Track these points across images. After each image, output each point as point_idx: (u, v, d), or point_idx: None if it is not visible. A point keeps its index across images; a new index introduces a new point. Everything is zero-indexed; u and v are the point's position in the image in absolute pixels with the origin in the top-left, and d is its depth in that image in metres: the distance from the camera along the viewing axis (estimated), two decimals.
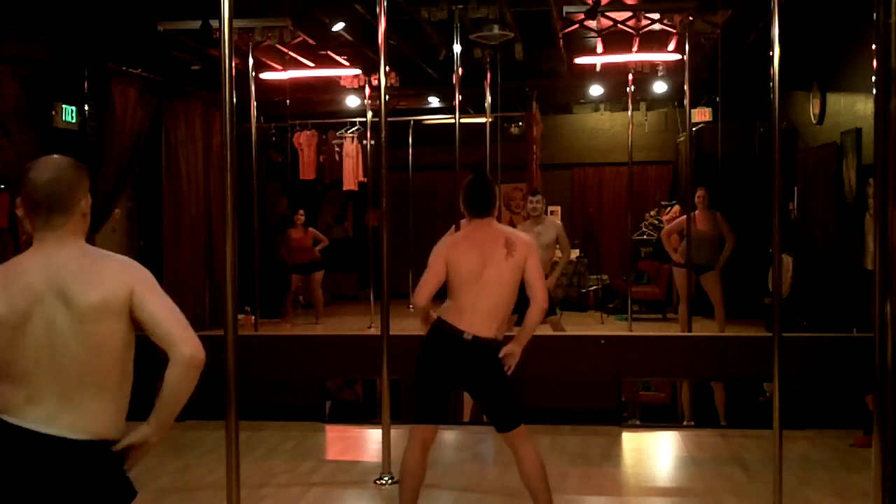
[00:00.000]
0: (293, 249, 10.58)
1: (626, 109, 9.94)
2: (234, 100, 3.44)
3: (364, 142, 11.70)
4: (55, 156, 2.43)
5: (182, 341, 2.31)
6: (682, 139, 11.99)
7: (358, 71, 10.53)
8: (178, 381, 2.32)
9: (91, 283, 2.30)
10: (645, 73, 9.92)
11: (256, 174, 8.73)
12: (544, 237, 7.50)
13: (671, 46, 9.20)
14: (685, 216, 8.50)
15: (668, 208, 11.96)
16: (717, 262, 8.50)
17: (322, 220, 14.04)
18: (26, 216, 2.37)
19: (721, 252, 8.53)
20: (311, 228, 10.81)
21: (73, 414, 2.30)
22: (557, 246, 7.87)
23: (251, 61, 8.18)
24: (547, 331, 7.49)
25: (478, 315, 3.89)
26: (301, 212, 10.65)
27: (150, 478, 5.08)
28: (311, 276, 10.65)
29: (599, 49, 9.71)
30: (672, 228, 9.02)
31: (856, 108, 8.20)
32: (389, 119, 5.35)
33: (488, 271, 3.90)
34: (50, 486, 2.28)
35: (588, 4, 7.62)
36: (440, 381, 3.99)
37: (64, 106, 7.96)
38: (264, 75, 9.81)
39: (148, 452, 2.44)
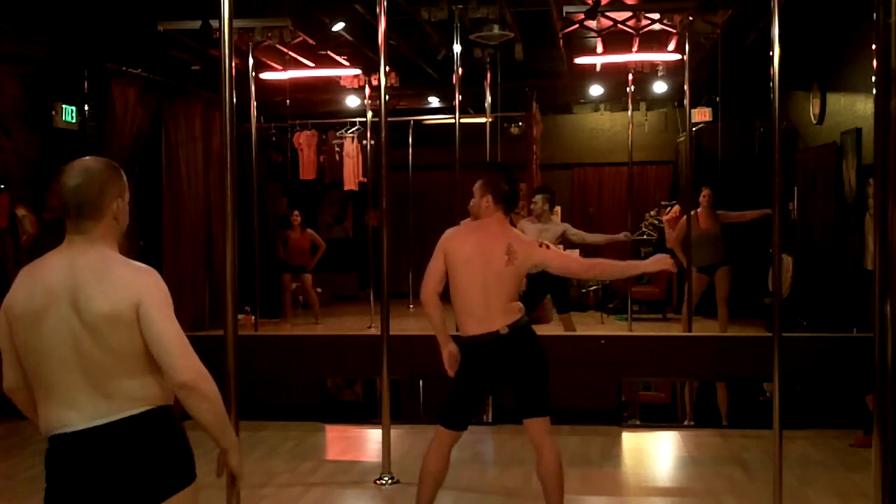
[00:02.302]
0: (290, 251, 10.57)
1: (626, 109, 9.94)
2: (234, 100, 3.44)
3: (364, 142, 11.69)
4: (88, 158, 2.44)
5: (175, 370, 2.29)
6: (682, 139, 11.98)
7: (358, 71, 10.52)
8: (191, 407, 2.36)
9: (102, 294, 2.28)
10: (645, 73, 9.92)
11: (256, 174, 8.73)
12: (547, 235, 7.58)
13: (671, 46, 9.20)
14: (685, 216, 8.50)
15: (668, 208, 11.94)
16: (723, 258, 8.49)
17: (322, 220, 14.04)
18: (61, 218, 2.38)
19: (723, 250, 8.52)
20: (308, 230, 10.77)
21: (117, 401, 2.30)
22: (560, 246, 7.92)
23: (251, 61, 8.17)
24: (547, 330, 7.50)
25: (496, 314, 3.89)
26: (297, 212, 10.61)
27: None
28: (302, 277, 10.63)
29: (599, 49, 9.71)
30: (679, 236, 8.97)
31: (856, 108, 8.19)
32: (389, 119, 5.35)
33: (490, 275, 3.87)
34: (113, 472, 2.28)
35: (588, 4, 7.62)
36: (482, 391, 4.06)
37: (64, 106, 7.96)
38: (264, 75, 9.81)
39: (235, 456, 2.62)
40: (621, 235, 8.76)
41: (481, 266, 3.87)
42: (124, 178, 2.46)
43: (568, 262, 4.19)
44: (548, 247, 4.08)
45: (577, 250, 12.37)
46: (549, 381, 3.98)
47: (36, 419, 2.40)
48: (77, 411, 2.28)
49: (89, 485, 2.28)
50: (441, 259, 3.95)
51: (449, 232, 4.06)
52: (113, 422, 2.28)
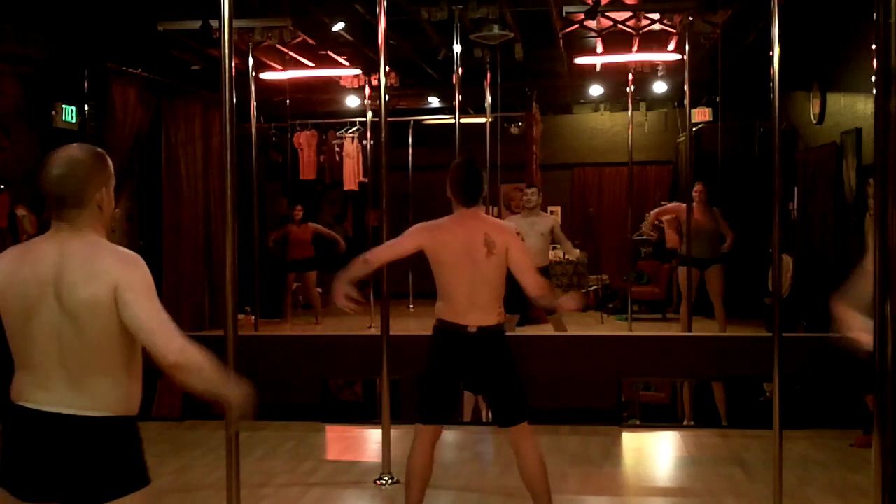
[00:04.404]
0: (292, 243, 10.59)
1: (626, 109, 9.94)
2: (234, 100, 3.44)
3: (364, 142, 11.70)
4: (73, 146, 2.44)
5: (159, 350, 2.29)
6: (682, 139, 11.98)
7: (358, 71, 10.53)
8: (183, 381, 2.34)
9: (83, 281, 2.31)
10: (645, 73, 9.92)
11: (256, 174, 8.73)
12: (539, 226, 7.57)
13: (671, 46, 9.20)
14: (684, 205, 8.50)
15: None
16: (719, 255, 8.50)
17: (322, 220, 14.02)
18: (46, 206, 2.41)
19: (717, 248, 8.53)
20: (310, 224, 10.81)
21: (85, 397, 2.33)
22: (553, 247, 7.89)
23: (251, 61, 8.18)
24: (547, 330, 7.49)
25: (475, 309, 3.87)
26: (299, 207, 10.64)
27: (151, 477, 5.08)
28: (306, 275, 10.65)
29: (599, 49, 9.72)
30: (670, 210, 9.13)
31: (856, 108, 8.20)
32: (389, 119, 5.35)
33: (474, 270, 3.85)
34: (66, 461, 2.31)
35: (588, 4, 7.62)
36: (449, 380, 3.97)
37: (64, 106, 7.96)
38: (264, 75, 9.81)
39: (232, 395, 2.41)
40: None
41: (467, 266, 3.85)
42: (110, 165, 2.47)
43: (524, 263, 3.94)
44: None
45: (578, 250, 12.44)
46: (522, 387, 3.92)
47: None
48: (48, 393, 2.32)
49: (38, 465, 2.32)
50: (411, 245, 3.90)
51: (426, 225, 3.97)
52: (76, 416, 2.31)
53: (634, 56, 9.36)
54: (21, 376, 2.38)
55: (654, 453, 6.17)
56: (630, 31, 8.30)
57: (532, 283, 3.93)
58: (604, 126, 13.68)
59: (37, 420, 2.32)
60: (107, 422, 2.34)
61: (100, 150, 2.47)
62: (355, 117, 11.89)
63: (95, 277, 2.31)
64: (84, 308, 2.29)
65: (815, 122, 9.49)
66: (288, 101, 10.27)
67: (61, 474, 2.31)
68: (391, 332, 5.22)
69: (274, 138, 12.06)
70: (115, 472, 2.36)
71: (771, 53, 4.31)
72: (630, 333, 8.67)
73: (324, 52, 9.81)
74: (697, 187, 8.58)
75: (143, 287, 2.34)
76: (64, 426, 2.31)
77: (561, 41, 9.64)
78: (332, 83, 11.16)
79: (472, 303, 3.87)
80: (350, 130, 12.04)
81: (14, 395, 2.38)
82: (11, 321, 2.35)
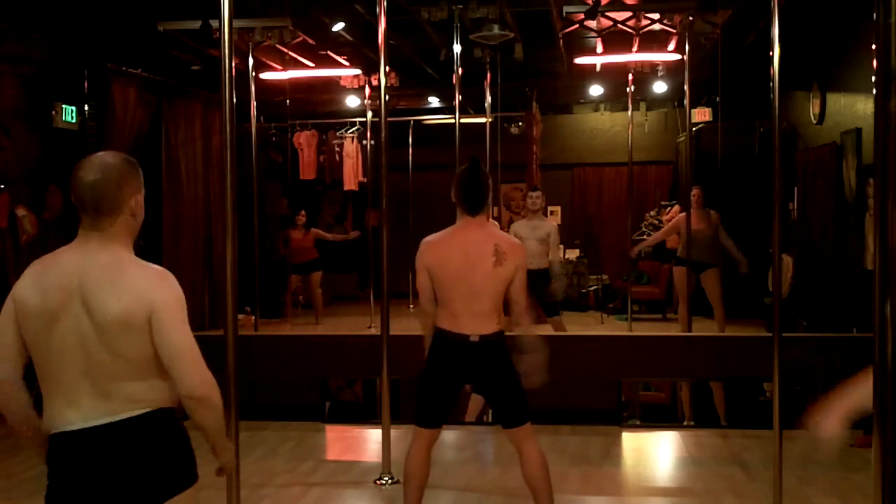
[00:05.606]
0: (293, 250, 10.59)
1: (626, 109, 9.94)
2: (234, 100, 3.44)
3: (364, 142, 11.70)
4: (105, 153, 2.39)
5: (187, 380, 2.28)
6: (682, 139, 11.99)
7: (358, 71, 10.53)
8: (197, 416, 2.37)
9: (114, 298, 2.25)
10: (645, 73, 9.92)
11: (256, 174, 8.73)
12: (539, 231, 7.61)
13: (671, 46, 9.20)
14: (683, 214, 8.51)
15: (668, 208, 11.95)
16: (714, 260, 8.50)
17: (322, 220, 14.05)
18: (61, 219, 2.38)
19: (717, 251, 8.53)
20: (312, 229, 10.83)
21: (115, 402, 2.28)
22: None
23: (251, 61, 8.18)
24: (547, 331, 7.49)
25: (475, 317, 3.85)
26: (302, 212, 10.66)
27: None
28: (310, 276, 10.67)
29: (599, 49, 9.72)
30: (670, 230, 9.13)
31: (856, 108, 8.19)
32: (389, 119, 5.35)
33: (477, 280, 3.81)
34: (111, 472, 2.26)
35: (588, 4, 7.62)
36: (448, 386, 3.98)
37: (64, 106, 7.96)
38: (264, 75, 9.81)
39: (231, 467, 2.68)
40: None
41: (468, 276, 3.81)
42: (141, 173, 2.41)
43: (523, 286, 3.95)
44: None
45: (578, 250, 12.44)
46: (523, 390, 3.91)
47: (9, 416, 2.40)
48: (77, 410, 2.27)
49: (86, 484, 2.27)
50: (425, 275, 3.89)
51: (427, 244, 3.95)
52: (111, 423, 2.26)
53: (634, 56, 9.36)
54: (50, 401, 2.31)
55: (654, 453, 6.17)
56: (630, 31, 8.30)
57: (521, 304, 3.95)
58: (604, 126, 13.68)
59: (73, 442, 2.26)
60: (144, 418, 2.29)
61: (132, 158, 2.41)
62: (355, 117, 11.89)
63: (127, 293, 2.25)
64: (115, 324, 2.24)
65: (815, 122, 9.49)
66: (288, 101, 10.26)
67: (109, 487, 2.26)
68: (391, 332, 5.23)
69: (274, 138, 12.05)
70: (162, 469, 2.32)
71: (771, 53, 4.31)
72: (630, 333, 8.67)
73: (324, 52, 9.80)
74: (695, 191, 8.59)
75: (178, 309, 2.30)
76: (100, 438, 2.25)
77: (561, 41, 9.64)
78: (332, 83, 11.16)
79: (472, 312, 3.84)
80: (350, 130, 12.04)
81: (47, 427, 2.31)
82: (33, 336, 2.29)
